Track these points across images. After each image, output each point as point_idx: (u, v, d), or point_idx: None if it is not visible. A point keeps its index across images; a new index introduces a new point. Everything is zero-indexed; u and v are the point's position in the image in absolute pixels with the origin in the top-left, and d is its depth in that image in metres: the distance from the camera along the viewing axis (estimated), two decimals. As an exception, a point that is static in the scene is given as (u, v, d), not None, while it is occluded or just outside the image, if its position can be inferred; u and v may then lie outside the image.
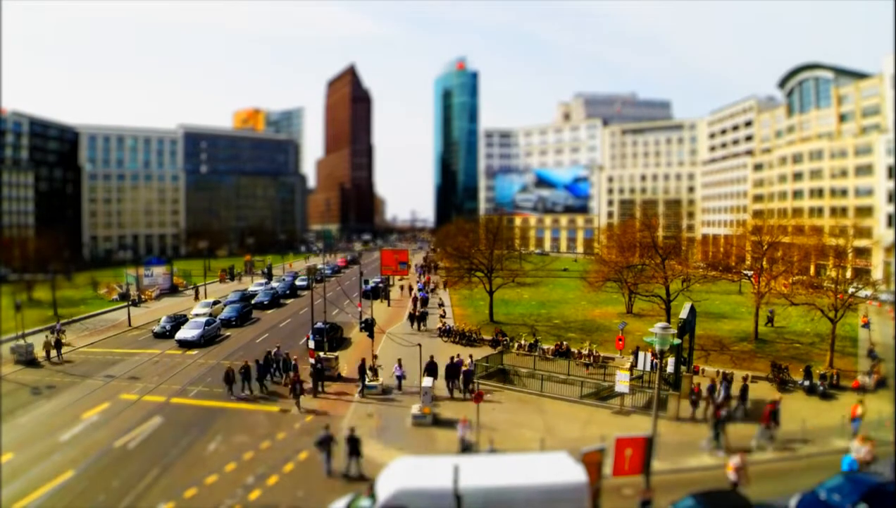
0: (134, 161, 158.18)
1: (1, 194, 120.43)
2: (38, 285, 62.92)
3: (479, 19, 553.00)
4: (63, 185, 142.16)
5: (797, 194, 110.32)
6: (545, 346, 41.64)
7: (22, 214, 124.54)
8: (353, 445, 22.51)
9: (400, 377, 33.30)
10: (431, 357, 33.59)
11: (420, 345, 33.25)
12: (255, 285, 77.19)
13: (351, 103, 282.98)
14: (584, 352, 40.22)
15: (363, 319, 49.55)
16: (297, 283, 76.92)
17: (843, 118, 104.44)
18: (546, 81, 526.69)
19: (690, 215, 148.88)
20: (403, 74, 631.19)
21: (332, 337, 42.72)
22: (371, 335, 38.89)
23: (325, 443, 22.61)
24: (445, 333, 47.17)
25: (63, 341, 42.62)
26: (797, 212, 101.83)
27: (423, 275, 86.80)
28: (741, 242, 60.13)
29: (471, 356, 35.64)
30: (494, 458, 20.95)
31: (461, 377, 32.42)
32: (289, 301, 68.74)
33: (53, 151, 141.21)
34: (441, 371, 32.98)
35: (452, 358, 33.90)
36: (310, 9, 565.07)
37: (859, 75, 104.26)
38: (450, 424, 27.83)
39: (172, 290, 75.53)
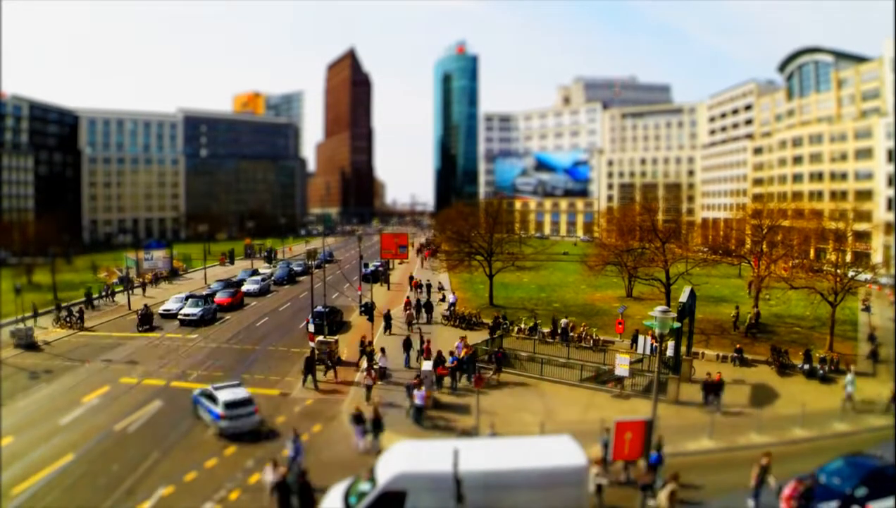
0: (134, 145, 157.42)
1: (1, 177, 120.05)
2: (38, 269, 62.90)
3: (480, 2, 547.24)
4: (63, 169, 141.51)
5: (797, 178, 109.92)
6: (545, 329, 41.58)
7: (22, 198, 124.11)
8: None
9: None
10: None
11: (420, 329, 33.25)
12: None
13: (351, 87, 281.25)
14: (583, 335, 40.23)
15: (363, 302, 49.61)
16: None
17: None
18: (546, 65, 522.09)
19: (690, 198, 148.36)
20: (403, 58, 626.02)
21: (332, 321, 42.70)
22: (371, 319, 38.89)
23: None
24: (446, 317, 47.13)
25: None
26: (797, 196, 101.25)
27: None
28: (741, 225, 59.93)
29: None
30: (495, 441, 20.97)
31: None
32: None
33: (53, 134, 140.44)
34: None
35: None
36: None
37: (859, 59, 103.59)
38: (450, 408, 27.93)
39: (172, 273, 75.34)
